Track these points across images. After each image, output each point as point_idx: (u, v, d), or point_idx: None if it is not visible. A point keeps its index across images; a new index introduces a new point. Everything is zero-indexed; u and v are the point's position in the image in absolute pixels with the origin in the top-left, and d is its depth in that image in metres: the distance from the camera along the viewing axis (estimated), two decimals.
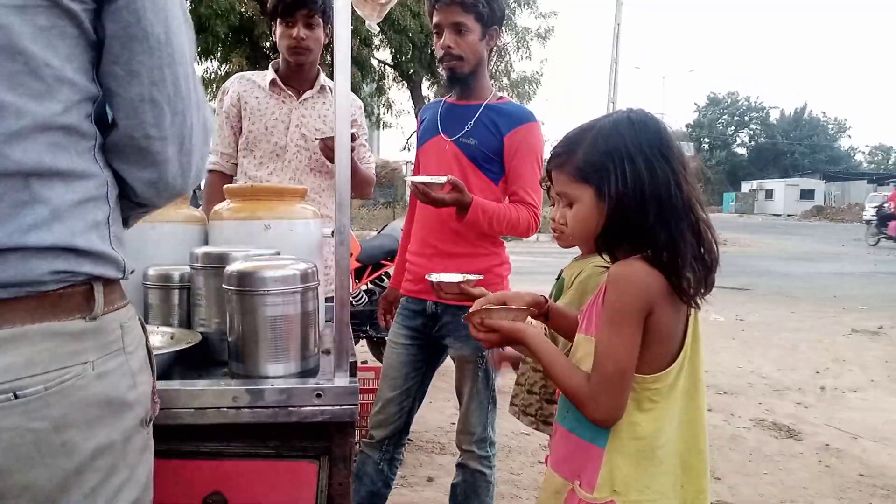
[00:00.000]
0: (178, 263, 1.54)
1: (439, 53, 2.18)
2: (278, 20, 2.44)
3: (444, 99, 2.34)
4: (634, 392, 1.20)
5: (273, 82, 2.51)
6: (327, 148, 2.41)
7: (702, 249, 1.18)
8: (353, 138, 2.34)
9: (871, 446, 3.79)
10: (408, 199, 2.41)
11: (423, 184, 2.00)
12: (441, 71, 2.23)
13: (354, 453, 2.29)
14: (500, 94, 2.29)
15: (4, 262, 0.82)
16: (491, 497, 2.31)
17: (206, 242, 1.70)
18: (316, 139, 2.46)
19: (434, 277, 1.62)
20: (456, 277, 1.60)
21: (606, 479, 1.22)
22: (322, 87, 2.56)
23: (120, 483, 0.91)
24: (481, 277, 1.62)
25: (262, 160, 2.49)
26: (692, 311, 1.22)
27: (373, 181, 2.71)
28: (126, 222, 1.02)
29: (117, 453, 0.91)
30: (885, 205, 19.72)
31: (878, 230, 19.18)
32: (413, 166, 2.45)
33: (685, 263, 1.16)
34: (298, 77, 2.54)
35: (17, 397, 0.81)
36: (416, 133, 2.43)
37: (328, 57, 2.31)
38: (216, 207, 1.73)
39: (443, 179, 2.00)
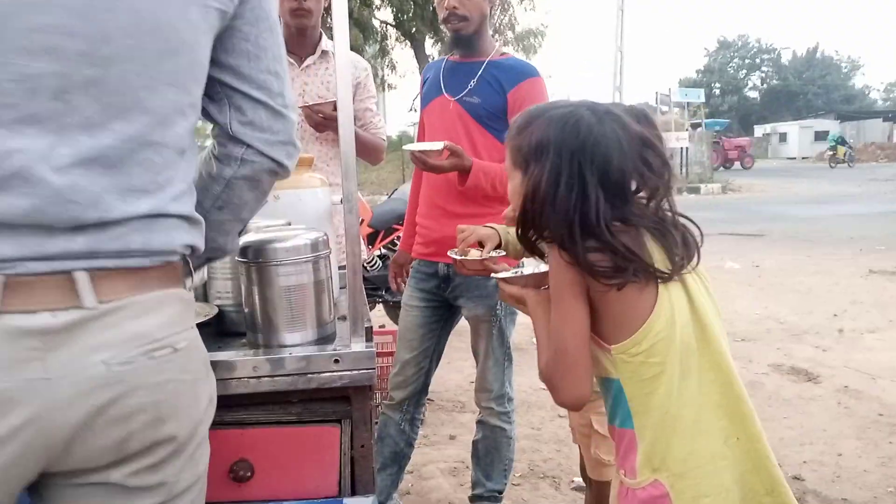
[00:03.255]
0: None
1: (443, 14, 2.14)
2: None
3: (446, 57, 2.30)
4: (625, 363, 1.17)
5: None
6: (313, 113, 2.38)
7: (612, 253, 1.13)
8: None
9: (889, 386, 3.80)
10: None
11: (420, 151, 1.99)
12: (445, 30, 2.19)
13: (375, 416, 2.34)
14: (503, 49, 2.26)
15: (150, 231, 0.90)
16: (512, 451, 2.35)
17: None
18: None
19: (457, 256, 1.65)
20: (475, 254, 1.62)
21: (645, 461, 1.18)
22: (324, 52, 2.52)
23: (208, 435, 1.01)
24: (503, 254, 1.64)
25: None
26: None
27: (381, 146, 2.67)
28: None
29: (211, 408, 1.01)
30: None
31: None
32: (418, 128, 2.43)
33: (584, 262, 1.13)
34: (300, 43, 2.49)
35: (175, 350, 0.91)
36: (419, 93, 2.41)
37: (329, 20, 2.27)
38: None
39: (439, 146, 1.98)
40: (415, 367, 2.32)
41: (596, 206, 1.13)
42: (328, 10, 2.33)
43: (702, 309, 1.20)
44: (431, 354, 2.34)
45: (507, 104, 2.13)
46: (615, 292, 1.14)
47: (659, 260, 1.17)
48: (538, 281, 1.31)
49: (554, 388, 1.20)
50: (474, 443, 2.38)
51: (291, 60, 2.48)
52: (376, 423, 2.36)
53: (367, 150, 2.57)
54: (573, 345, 1.15)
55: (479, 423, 2.34)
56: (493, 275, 1.45)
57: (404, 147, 2.09)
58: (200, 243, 1.00)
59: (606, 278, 1.13)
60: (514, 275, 1.34)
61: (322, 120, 2.39)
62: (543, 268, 1.31)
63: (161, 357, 0.89)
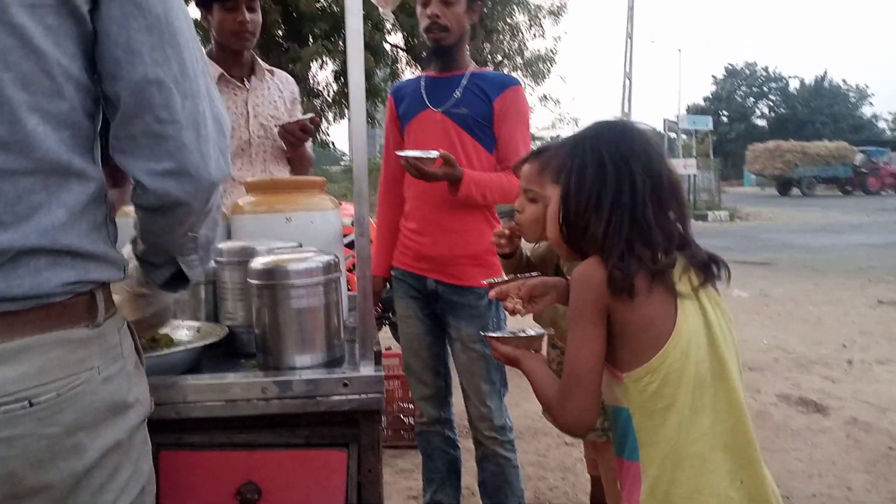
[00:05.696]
0: None
1: (425, 23, 2.15)
2: (216, 6, 2.32)
3: (422, 74, 2.32)
4: (638, 393, 1.16)
5: (222, 77, 2.38)
6: (288, 133, 2.40)
7: (653, 252, 1.16)
8: (317, 122, 2.37)
9: None
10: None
11: (416, 158, 2.00)
12: (427, 41, 2.18)
13: (383, 440, 2.32)
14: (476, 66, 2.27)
15: (15, 271, 0.82)
16: (521, 480, 2.31)
17: (228, 237, 1.72)
18: (276, 126, 2.44)
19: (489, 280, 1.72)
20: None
21: (648, 494, 1.17)
22: (260, 71, 2.50)
23: (126, 478, 0.95)
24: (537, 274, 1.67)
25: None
26: (689, 293, 1.18)
27: (312, 161, 2.74)
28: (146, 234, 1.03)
29: (122, 451, 0.94)
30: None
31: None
32: (385, 145, 2.44)
33: (618, 258, 1.14)
34: (237, 64, 2.45)
35: (31, 405, 0.83)
36: (393, 113, 2.35)
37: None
38: (238, 201, 1.75)
39: (434, 154, 2.00)
40: (432, 374, 2.31)
41: (641, 187, 1.17)
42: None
43: (721, 344, 1.19)
44: (444, 359, 2.34)
45: (493, 112, 2.16)
46: (636, 313, 1.14)
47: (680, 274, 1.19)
48: (529, 344, 1.31)
49: (561, 409, 1.18)
50: (482, 483, 2.31)
51: (237, 83, 2.43)
52: (384, 447, 2.34)
53: (306, 165, 2.63)
54: (588, 366, 1.15)
55: (484, 458, 2.27)
56: (482, 332, 1.52)
57: (398, 153, 2.08)
58: (99, 275, 0.90)
59: (619, 284, 1.13)
60: (506, 335, 1.34)
61: (295, 140, 2.42)
62: (536, 331, 1.32)
63: (11, 412, 0.81)
